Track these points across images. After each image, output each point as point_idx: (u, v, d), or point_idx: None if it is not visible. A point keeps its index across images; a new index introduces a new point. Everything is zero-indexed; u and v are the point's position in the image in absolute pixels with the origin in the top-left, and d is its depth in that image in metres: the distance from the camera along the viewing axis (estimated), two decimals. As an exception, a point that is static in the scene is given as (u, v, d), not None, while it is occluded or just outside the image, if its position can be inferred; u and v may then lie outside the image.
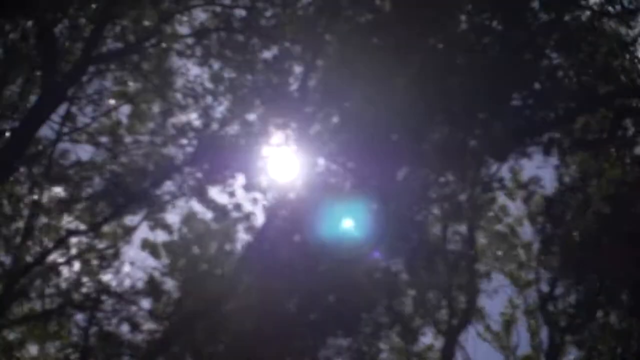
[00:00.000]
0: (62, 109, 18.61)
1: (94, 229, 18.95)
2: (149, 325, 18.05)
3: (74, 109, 19.04)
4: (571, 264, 18.37)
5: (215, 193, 18.74)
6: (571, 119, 17.68)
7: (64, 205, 18.70)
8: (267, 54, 19.02)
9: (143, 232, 20.28)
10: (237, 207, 18.45)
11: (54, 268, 18.66)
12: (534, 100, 17.18)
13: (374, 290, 18.61)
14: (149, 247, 19.70)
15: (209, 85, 19.31)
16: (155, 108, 19.92)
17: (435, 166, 17.77)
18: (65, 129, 18.91)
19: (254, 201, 18.26)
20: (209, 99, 19.25)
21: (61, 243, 18.69)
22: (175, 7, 19.20)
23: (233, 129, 18.81)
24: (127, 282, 18.70)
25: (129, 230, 19.45)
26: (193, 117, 19.30)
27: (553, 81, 16.89)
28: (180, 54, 19.46)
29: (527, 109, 17.19)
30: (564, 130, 17.70)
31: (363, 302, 18.22)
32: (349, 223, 17.76)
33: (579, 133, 17.86)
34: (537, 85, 17.30)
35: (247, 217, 18.38)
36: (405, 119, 16.99)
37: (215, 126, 18.90)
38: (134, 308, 18.11)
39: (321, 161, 17.72)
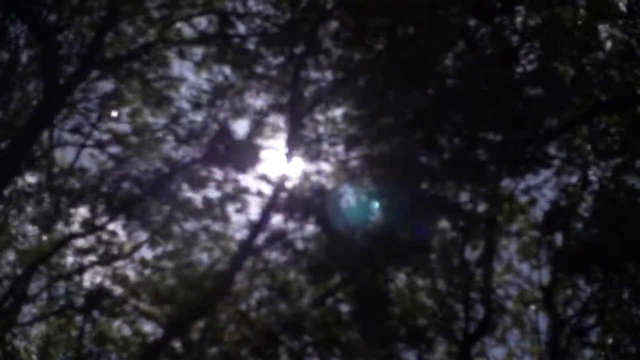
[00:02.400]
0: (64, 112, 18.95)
1: (96, 231, 19.16)
2: (146, 327, 18.24)
3: (77, 114, 19.35)
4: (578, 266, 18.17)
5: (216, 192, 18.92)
6: (574, 127, 17.59)
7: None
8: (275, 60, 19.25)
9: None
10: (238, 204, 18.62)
11: (56, 270, 18.86)
12: (536, 108, 17.14)
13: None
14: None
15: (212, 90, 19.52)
16: (159, 114, 20.16)
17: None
18: (67, 134, 19.15)
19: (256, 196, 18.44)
20: (212, 104, 19.43)
21: (63, 245, 18.90)
22: (178, 14, 19.46)
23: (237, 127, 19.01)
24: (126, 284, 18.82)
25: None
26: (197, 121, 19.48)
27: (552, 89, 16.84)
28: (184, 59, 19.77)
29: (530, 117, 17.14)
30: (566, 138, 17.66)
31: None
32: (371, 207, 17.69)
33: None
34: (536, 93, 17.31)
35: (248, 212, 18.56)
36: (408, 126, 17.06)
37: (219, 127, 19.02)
38: (132, 310, 18.23)
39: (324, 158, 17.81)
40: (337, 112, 18.35)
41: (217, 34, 19.34)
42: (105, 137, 19.64)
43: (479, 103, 16.14)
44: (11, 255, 19.03)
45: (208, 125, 18.91)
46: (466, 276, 19.40)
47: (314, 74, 18.53)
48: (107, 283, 18.93)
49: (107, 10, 18.69)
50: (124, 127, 19.90)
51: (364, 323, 17.40)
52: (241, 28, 19.34)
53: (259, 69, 19.11)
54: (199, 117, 19.20)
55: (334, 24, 17.97)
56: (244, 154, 18.29)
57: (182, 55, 19.46)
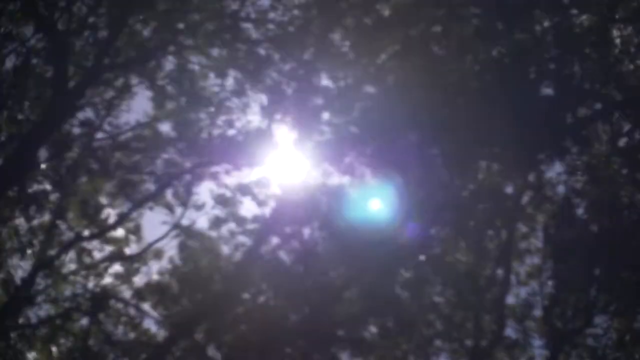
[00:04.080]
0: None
1: (103, 233, 19.08)
2: (151, 329, 18.06)
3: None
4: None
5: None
6: (585, 125, 17.45)
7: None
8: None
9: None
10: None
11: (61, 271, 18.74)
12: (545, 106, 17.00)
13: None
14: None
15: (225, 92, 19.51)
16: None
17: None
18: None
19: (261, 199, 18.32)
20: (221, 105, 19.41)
21: (69, 247, 18.78)
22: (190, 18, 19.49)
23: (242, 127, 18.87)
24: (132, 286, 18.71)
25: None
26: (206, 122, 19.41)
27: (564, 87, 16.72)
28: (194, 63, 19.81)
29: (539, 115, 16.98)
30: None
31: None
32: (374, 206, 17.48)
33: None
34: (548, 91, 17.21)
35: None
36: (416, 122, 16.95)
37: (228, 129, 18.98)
38: (137, 312, 18.08)
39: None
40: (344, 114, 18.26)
41: (228, 38, 19.39)
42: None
43: (494, 102, 16.04)
44: (16, 257, 18.88)
45: (216, 126, 18.93)
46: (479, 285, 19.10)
47: (323, 77, 18.52)
48: (113, 285, 18.82)
49: (118, 14, 18.77)
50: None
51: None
52: (252, 33, 19.42)
53: (269, 73, 19.13)
54: (206, 118, 19.22)
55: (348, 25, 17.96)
56: (249, 156, 18.26)
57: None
